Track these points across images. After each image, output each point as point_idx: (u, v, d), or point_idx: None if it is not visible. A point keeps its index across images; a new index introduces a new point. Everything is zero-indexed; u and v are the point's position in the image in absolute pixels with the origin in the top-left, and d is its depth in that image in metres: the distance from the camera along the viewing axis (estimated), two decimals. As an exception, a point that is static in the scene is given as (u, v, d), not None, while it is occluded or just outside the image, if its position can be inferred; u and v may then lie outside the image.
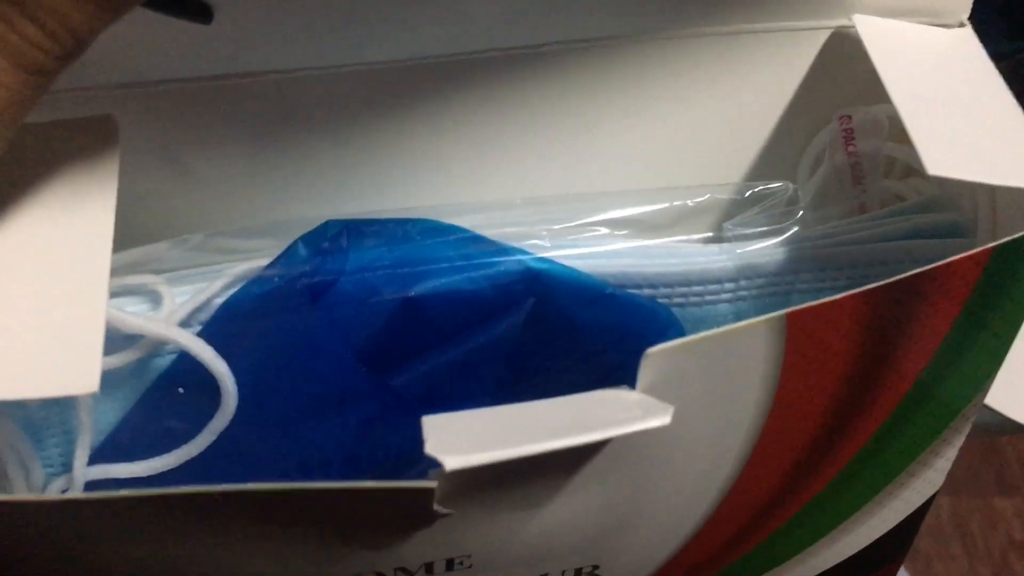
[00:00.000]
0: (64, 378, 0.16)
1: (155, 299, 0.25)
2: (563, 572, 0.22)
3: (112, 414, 0.24)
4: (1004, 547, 0.33)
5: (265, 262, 0.24)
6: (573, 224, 0.24)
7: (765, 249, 0.25)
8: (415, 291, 0.25)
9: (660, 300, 0.24)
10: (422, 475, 0.15)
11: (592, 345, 0.25)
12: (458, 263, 0.25)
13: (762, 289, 0.25)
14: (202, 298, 0.25)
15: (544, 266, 0.25)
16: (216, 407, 0.23)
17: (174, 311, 0.25)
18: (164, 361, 0.25)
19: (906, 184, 0.28)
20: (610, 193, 0.25)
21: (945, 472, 0.27)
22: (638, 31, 0.25)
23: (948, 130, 0.22)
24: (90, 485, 0.23)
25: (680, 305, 0.25)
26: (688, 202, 0.26)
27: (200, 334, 0.24)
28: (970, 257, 0.19)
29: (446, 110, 0.24)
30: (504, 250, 0.24)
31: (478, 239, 0.23)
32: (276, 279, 0.25)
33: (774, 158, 0.28)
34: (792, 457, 0.21)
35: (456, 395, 0.25)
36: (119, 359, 0.24)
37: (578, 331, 0.25)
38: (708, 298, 0.25)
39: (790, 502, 0.23)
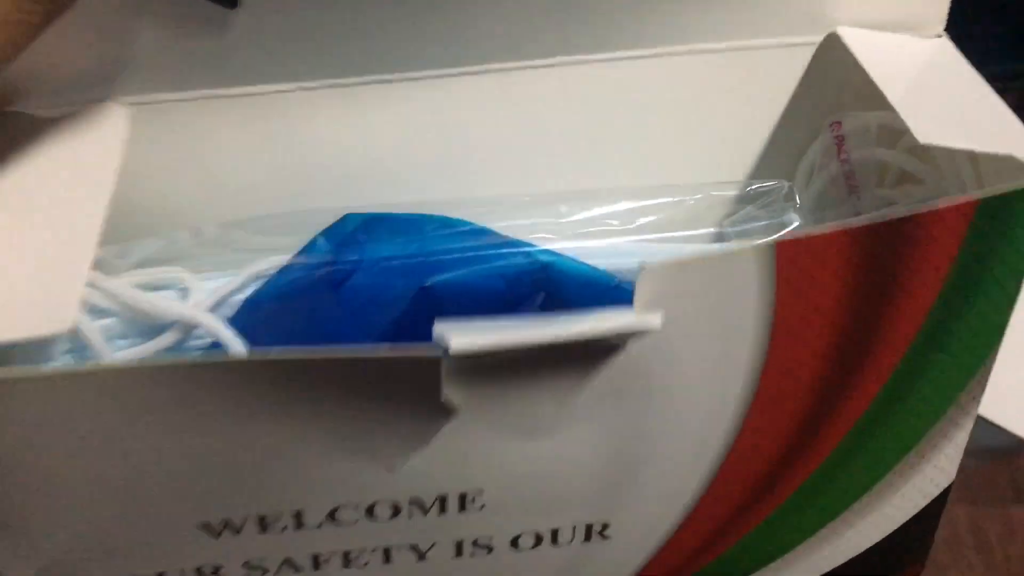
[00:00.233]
0: (42, 320, 0.17)
1: (184, 293, 0.27)
2: (574, 528, 0.23)
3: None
4: (1022, 556, 0.33)
5: (281, 258, 0.25)
6: (578, 218, 0.25)
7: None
8: (430, 282, 0.26)
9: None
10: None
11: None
12: (470, 255, 0.26)
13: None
14: (224, 292, 0.26)
15: (552, 259, 0.26)
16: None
17: (199, 302, 0.26)
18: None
19: (900, 192, 0.29)
20: (614, 189, 0.26)
21: (955, 464, 0.27)
22: (633, 48, 0.27)
23: (935, 111, 0.23)
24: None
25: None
26: (688, 199, 0.27)
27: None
28: (955, 207, 0.20)
29: (458, 119, 0.26)
30: (513, 243, 0.25)
31: (488, 233, 0.25)
32: (299, 270, 0.26)
33: (770, 169, 0.30)
34: (794, 414, 0.22)
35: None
36: (152, 345, 0.26)
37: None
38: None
39: (793, 471, 0.23)
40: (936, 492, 0.27)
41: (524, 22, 0.25)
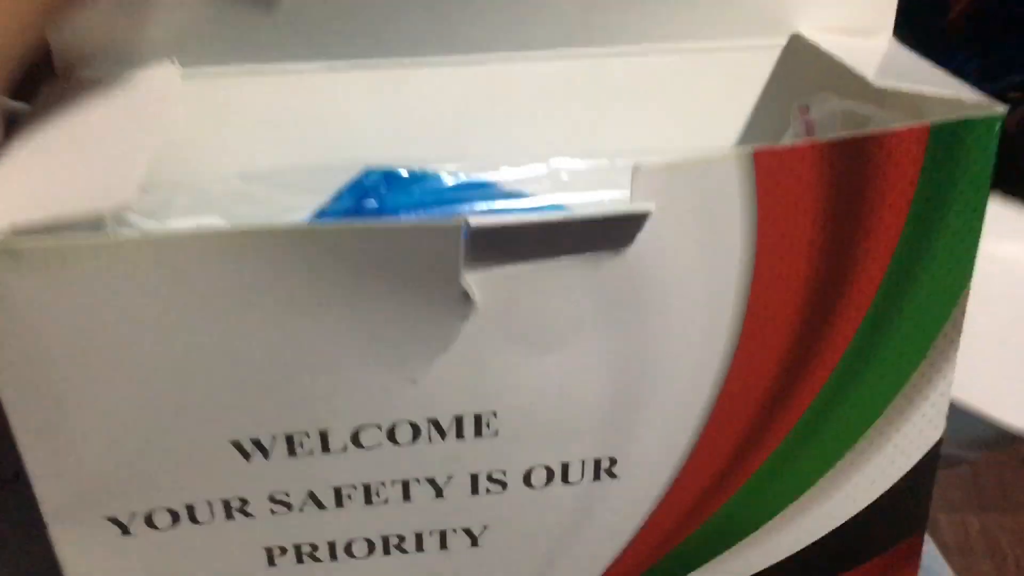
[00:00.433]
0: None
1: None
2: (583, 463, 0.24)
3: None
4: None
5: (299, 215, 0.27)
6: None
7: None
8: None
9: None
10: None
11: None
12: (480, 209, 0.28)
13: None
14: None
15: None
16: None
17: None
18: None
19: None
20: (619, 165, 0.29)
21: (942, 416, 0.28)
22: (620, 44, 0.30)
23: (895, 77, 0.26)
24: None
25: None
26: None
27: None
28: (910, 131, 0.22)
29: (459, 102, 0.29)
30: (517, 194, 0.27)
31: (495, 186, 0.27)
32: (326, 216, 0.28)
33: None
34: (782, 341, 0.23)
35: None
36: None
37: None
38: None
39: (788, 407, 0.25)
40: (927, 446, 0.28)
41: (517, 17, 0.28)
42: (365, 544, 0.24)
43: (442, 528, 0.24)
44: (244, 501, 0.22)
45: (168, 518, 0.22)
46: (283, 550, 0.24)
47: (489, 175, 0.27)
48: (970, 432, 0.32)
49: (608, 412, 0.23)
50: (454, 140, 0.28)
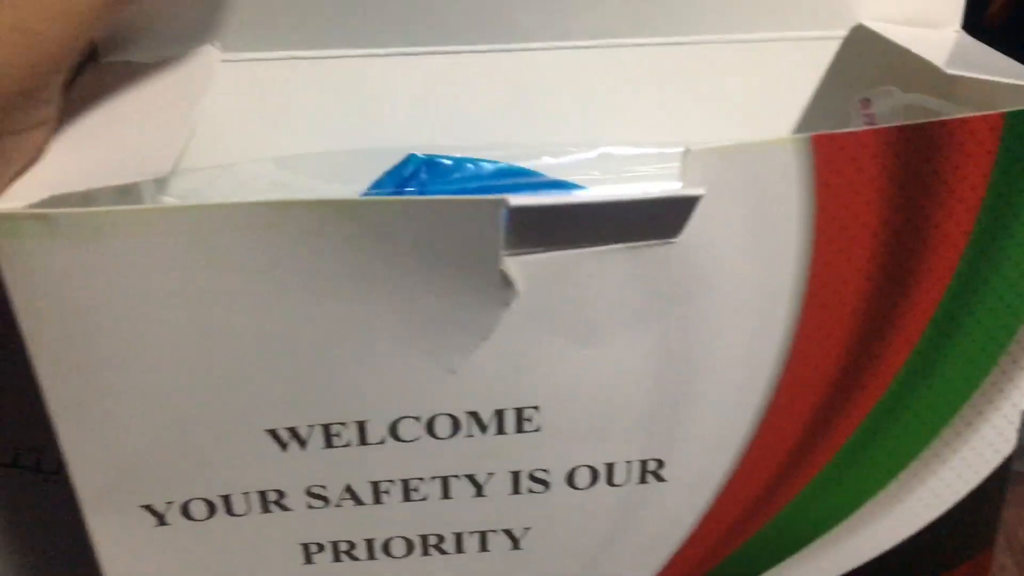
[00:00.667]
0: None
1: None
2: (628, 464, 0.23)
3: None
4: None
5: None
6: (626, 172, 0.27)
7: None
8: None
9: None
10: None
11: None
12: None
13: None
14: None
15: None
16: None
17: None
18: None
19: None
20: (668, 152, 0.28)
21: (1014, 428, 0.27)
22: (672, 35, 0.29)
23: (964, 64, 0.25)
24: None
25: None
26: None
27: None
28: (984, 119, 0.21)
29: (506, 90, 0.28)
30: (562, 184, 0.26)
31: (539, 175, 0.26)
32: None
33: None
34: (842, 341, 0.22)
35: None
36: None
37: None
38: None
39: (848, 412, 0.24)
40: (997, 461, 0.27)
41: (566, 5, 0.27)
42: (404, 543, 0.24)
43: (482, 529, 0.24)
44: (281, 494, 0.22)
45: (205, 509, 0.22)
46: (320, 547, 0.23)
47: (533, 163, 0.27)
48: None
49: (655, 411, 0.22)
50: (499, 129, 0.28)
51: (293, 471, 0.21)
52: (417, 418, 0.21)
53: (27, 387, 0.28)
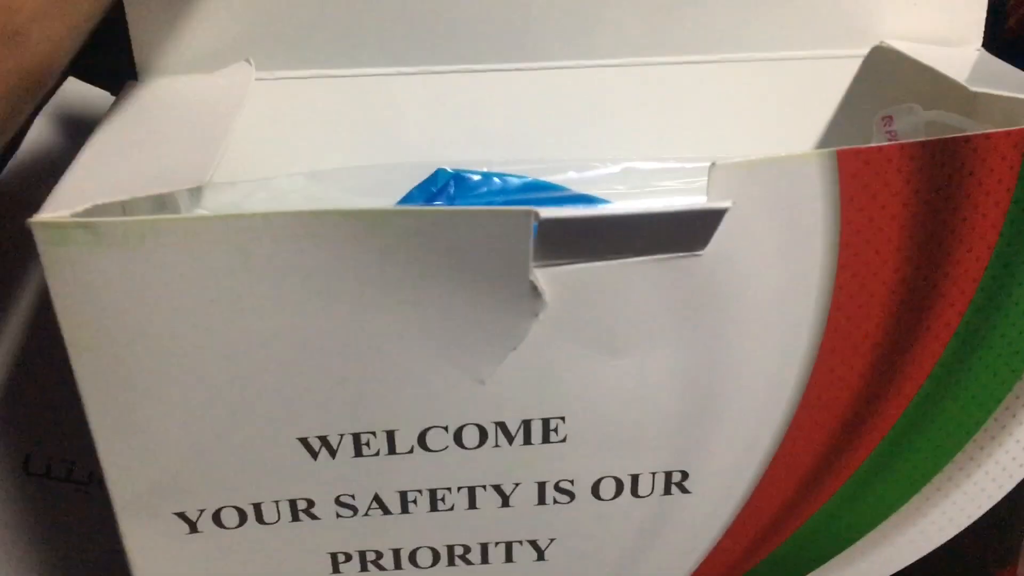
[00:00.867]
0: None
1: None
2: (653, 476, 0.23)
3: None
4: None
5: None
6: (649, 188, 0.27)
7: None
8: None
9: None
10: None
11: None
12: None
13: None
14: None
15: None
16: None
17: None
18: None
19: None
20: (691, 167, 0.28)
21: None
22: (695, 53, 0.29)
23: (986, 82, 0.25)
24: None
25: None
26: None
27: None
28: (1008, 135, 0.21)
29: (533, 108, 0.29)
30: (588, 198, 0.27)
31: (565, 190, 0.27)
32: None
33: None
34: (866, 353, 0.22)
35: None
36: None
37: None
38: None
39: (873, 424, 0.24)
40: (1021, 474, 0.27)
41: (591, 23, 0.27)
42: (430, 553, 0.24)
43: (508, 539, 0.24)
44: (310, 503, 0.22)
45: (236, 517, 0.22)
46: (348, 556, 0.24)
47: (558, 178, 0.27)
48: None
49: (680, 423, 0.22)
50: (523, 145, 0.28)
51: (323, 480, 0.22)
52: (445, 428, 0.21)
53: (61, 399, 0.29)
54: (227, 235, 0.17)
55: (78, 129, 0.28)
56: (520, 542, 0.24)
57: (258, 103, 0.26)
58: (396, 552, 0.24)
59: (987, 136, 0.21)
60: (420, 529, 0.23)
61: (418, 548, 0.24)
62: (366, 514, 0.23)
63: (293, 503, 0.22)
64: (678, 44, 0.28)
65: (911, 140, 0.29)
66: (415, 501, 0.23)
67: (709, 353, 0.21)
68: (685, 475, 0.23)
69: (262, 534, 0.22)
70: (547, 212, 0.17)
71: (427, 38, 0.27)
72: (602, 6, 0.27)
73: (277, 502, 0.22)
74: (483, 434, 0.22)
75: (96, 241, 0.17)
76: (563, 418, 0.21)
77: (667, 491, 0.23)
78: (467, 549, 0.24)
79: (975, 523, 0.27)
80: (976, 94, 0.24)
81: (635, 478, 0.23)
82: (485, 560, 0.24)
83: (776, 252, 0.21)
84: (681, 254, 0.20)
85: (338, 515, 0.23)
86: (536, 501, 0.23)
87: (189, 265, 0.17)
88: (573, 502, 0.23)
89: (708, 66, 0.29)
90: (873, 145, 0.20)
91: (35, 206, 0.18)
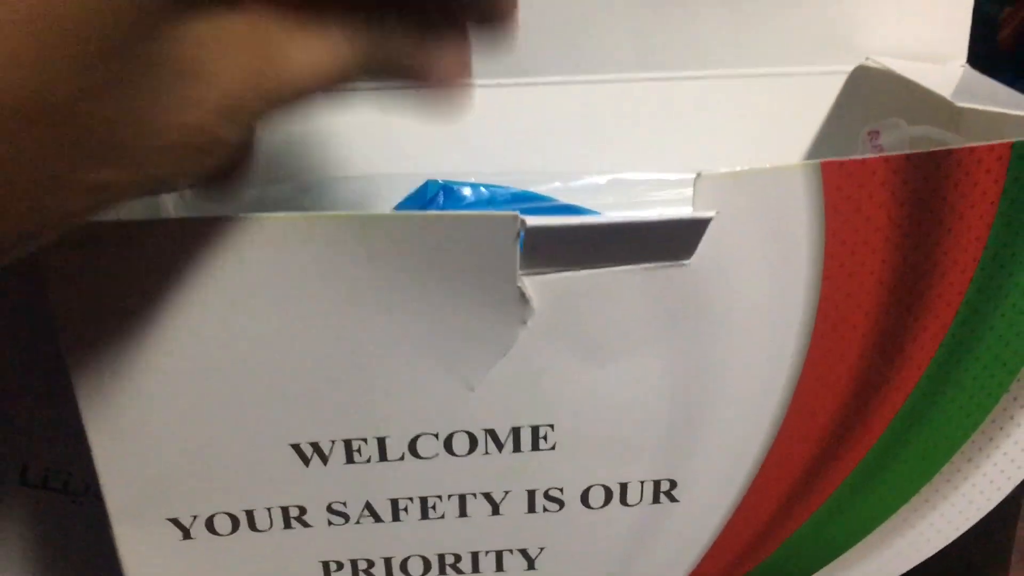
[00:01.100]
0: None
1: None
2: (642, 485, 0.23)
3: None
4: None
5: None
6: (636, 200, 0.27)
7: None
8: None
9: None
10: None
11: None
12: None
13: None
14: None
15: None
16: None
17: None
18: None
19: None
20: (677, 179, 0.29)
21: (1025, 455, 0.27)
22: (684, 69, 0.30)
23: (970, 96, 0.25)
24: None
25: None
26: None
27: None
28: (991, 148, 0.21)
29: (533, 119, 0.29)
30: (575, 208, 0.27)
31: (552, 200, 0.27)
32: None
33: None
34: (853, 362, 0.23)
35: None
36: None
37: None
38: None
39: (860, 434, 0.24)
40: (1009, 486, 0.27)
41: (580, 39, 0.28)
42: (421, 562, 0.24)
43: (498, 548, 0.24)
44: (302, 510, 0.22)
45: (228, 523, 0.22)
46: (339, 565, 0.24)
47: (544, 188, 0.27)
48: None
49: (668, 431, 0.22)
50: (512, 159, 0.28)
51: (315, 487, 0.22)
52: (436, 435, 0.21)
53: (57, 410, 0.29)
54: (218, 239, 0.17)
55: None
56: (511, 551, 0.24)
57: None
58: (387, 561, 0.24)
59: (972, 149, 0.21)
60: (411, 537, 0.23)
61: (409, 557, 0.24)
62: (358, 522, 0.23)
63: (285, 510, 0.22)
64: (666, 60, 0.29)
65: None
66: (406, 509, 0.23)
67: (696, 361, 0.22)
68: (673, 484, 0.23)
69: (255, 541, 0.23)
70: (535, 220, 0.18)
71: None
72: (591, 23, 0.28)
73: (269, 509, 0.22)
74: (473, 441, 0.22)
75: (93, 243, 0.17)
76: (552, 426, 0.22)
77: (656, 500, 0.24)
78: (458, 558, 0.24)
79: (964, 532, 0.27)
80: (962, 109, 0.24)
81: (624, 487, 0.23)
82: (476, 569, 0.24)
83: (762, 262, 0.21)
84: (668, 263, 0.20)
85: (330, 523, 0.23)
86: (526, 509, 0.23)
87: (181, 268, 0.18)
88: (563, 510, 0.23)
89: (696, 82, 0.30)
90: (857, 157, 0.21)
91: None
